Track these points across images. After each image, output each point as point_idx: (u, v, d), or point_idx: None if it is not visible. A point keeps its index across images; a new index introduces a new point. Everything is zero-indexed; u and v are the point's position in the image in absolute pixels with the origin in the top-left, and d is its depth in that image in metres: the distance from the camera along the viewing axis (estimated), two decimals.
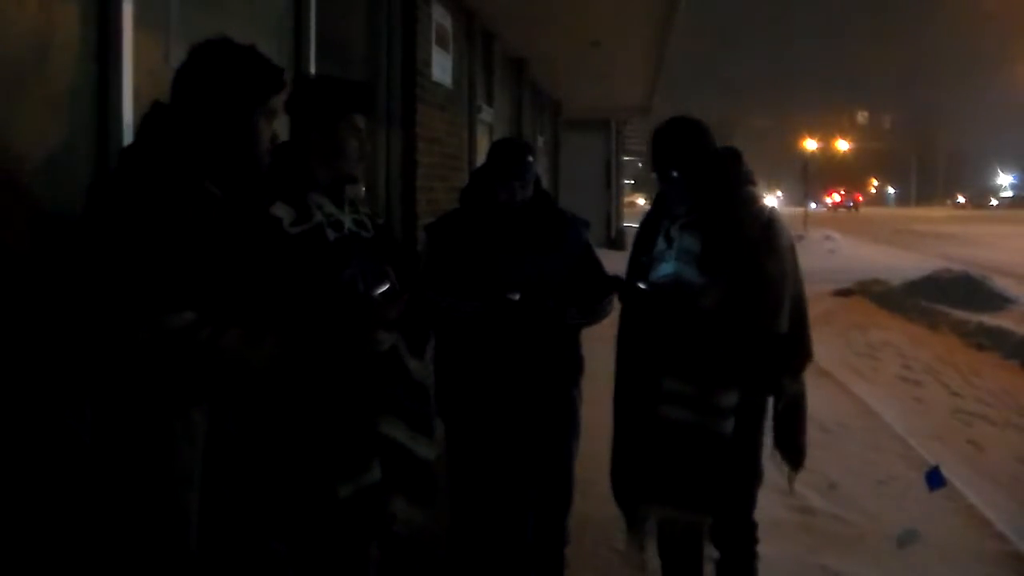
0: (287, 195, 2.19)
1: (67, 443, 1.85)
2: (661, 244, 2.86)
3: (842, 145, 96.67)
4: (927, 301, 10.22)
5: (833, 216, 51.73)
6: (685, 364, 2.68)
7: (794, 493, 2.91)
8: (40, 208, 2.04)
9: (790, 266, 2.77)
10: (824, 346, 5.65)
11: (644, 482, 2.76)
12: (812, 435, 2.99)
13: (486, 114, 8.25)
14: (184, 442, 1.71)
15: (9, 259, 1.90)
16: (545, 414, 2.98)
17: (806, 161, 41.11)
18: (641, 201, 69.28)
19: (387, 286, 2.12)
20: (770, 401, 2.86)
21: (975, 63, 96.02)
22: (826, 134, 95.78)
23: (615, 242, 18.60)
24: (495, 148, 3.08)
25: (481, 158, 7.16)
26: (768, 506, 3.20)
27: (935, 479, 3.24)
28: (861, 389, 6.69)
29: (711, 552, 2.94)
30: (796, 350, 2.83)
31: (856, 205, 68.06)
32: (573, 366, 3.07)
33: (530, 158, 3.00)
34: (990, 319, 9.00)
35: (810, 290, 3.02)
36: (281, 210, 2.15)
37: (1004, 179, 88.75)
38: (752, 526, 2.88)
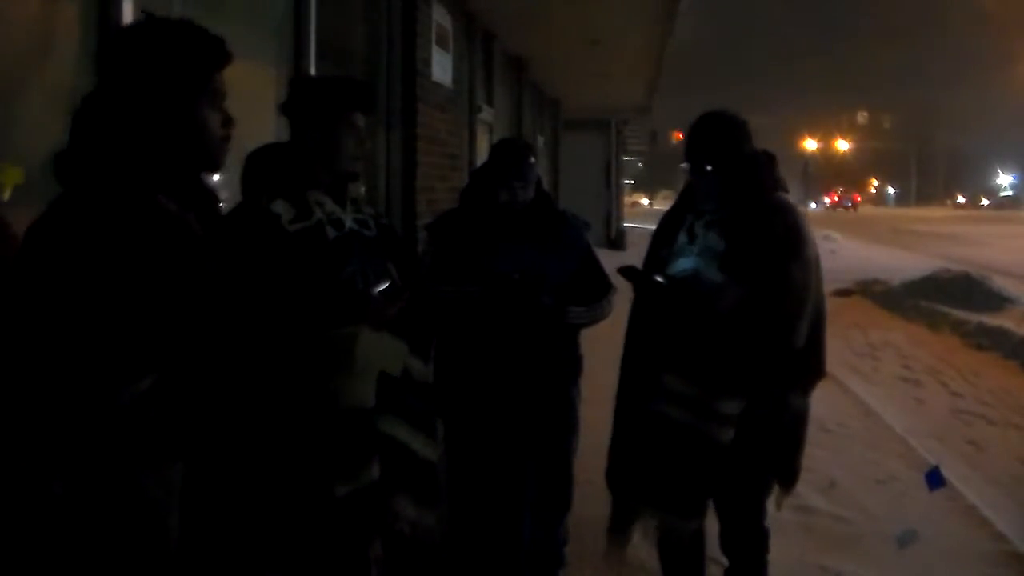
0: (287, 193, 2.19)
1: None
2: (683, 239, 2.77)
3: (842, 145, 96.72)
4: (927, 301, 10.22)
5: (832, 216, 51.70)
6: (690, 364, 2.62)
7: (780, 507, 2.87)
8: (39, 210, 2.03)
9: (814, 279, 2.67)
10: None
11: (635, 479, 2.72)
12: (812, 435, 2.97)
13: (486, 114, 8.24)
14: (158, 490, 1.48)
15: (8, 262, 1.89)
16: (544, 413, 2.98)
17: (806, 161, 41.11)
18: (645, 201, 69.21)
19: (387, 284, 2.12)
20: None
21: (975, 63, 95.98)
22: (826, 134, 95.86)
23: (615, 242, 18.61)
24: (497, 148, 3.08)
25: (481, 158, 7.18)
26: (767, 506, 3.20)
27: (935, 479, 3.23)
28: (861, 389, 6.68)
29: (720, 558, 2.93)
30: (809, 366, 2.72)
31: (854, 205, 68.28)
32: (572, 365, 3.07)
33: (532, 159, 3.00)
34: (990, 319, 9.00)
35: None
36: (280, 207, 2.15)
37: (1004, 179, 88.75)
38: (763, 534, 2.84)
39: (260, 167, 2.32)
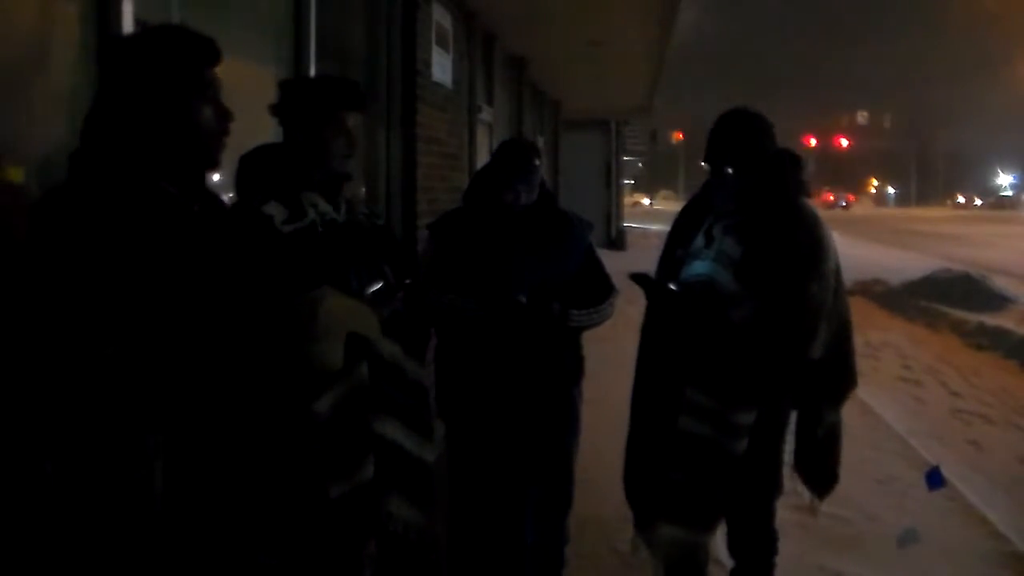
0: (280, 194, 2.18)
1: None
2: (699, 241, 2.71)
3: (842, 144, 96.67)
4: (927, 301, 10.23)
5: (830, 216, 51.66)
6: (709, 375, 2.56)
7: (799, 493, 2.88)
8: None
9: (832, 291, 2.61)
10: None
11: (656, 494, 2.67)
12: None
13: (486, 114, 8.24)
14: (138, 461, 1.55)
15: (8, 260, 1.89)
16: (545, 414, 2.98)
17: (807, 161, 41.08)
18: (645, 201, 69.03)
19: (380, 284, 2.12)
20: (792, 415, 2.76)
21: (975, 63, 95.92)
22: (826, 134, 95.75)
23: (615, 242, 18.63)
24: (502, 149, 3.04)
25: (481, 158, 7.18)
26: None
27: (935, 479, 3.23)
28: (861, 389, 6.61)
29: (721, 558, 2.93)
30: (838, 377, 2.69)
31: (848, 204, 68.77)
32: (574, 366, 3.06)
33: (536, 161, 2.96)
34: (990, 319, 9.01)
35: None
36: (273, 208, 2.14)
37: (1004, 179, 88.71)
38: (772, 537, 2.83)
39: (253, 168, 2.32)
